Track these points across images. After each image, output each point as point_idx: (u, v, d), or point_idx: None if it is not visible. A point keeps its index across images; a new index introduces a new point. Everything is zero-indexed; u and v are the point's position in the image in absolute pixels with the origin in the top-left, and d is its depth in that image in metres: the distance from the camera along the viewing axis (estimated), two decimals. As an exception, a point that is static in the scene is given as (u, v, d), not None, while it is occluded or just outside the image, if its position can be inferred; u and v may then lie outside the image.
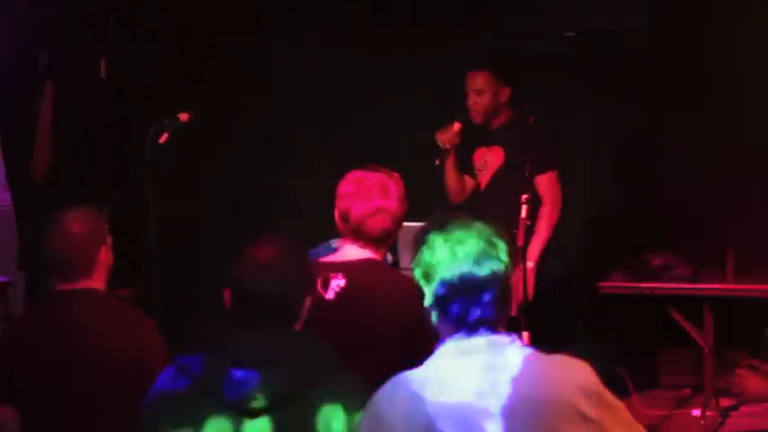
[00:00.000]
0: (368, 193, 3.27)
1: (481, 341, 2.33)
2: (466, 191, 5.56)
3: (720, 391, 5.03)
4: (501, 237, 2.41)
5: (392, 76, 6.60)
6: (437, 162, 5.25)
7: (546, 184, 5.31)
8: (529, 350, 2.39)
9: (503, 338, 2.35)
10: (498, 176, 5.44)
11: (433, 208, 4.37)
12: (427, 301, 2.38)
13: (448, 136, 5.31)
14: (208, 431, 2.47)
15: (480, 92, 5.39)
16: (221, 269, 2.71)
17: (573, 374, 2.34)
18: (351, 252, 3.31)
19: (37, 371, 3.27)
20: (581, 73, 6.46)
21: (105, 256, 3.43)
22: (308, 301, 2.66)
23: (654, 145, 6.43)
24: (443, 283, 2.35)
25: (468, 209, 5.23)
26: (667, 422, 5.78)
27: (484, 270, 2.34)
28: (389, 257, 4.56)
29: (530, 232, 4.91)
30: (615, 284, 6.11)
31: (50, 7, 6.31)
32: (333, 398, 2.50)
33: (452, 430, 2.26)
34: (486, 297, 2.34)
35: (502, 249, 2.39)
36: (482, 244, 2.36)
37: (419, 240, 2.42)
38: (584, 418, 2.29)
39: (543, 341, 2.89)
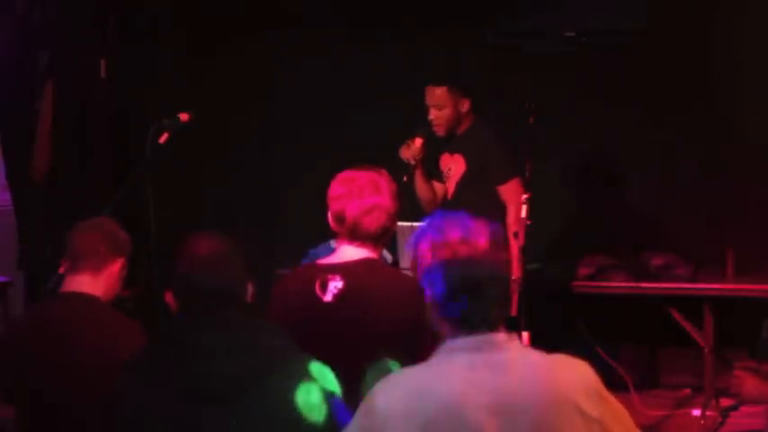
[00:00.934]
0: (360, 191, 3.25)
1: (481, 340, 2.33)
2: (437, 199, 5.52)
3: (720, 391, 5.02)
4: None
5: (392, 77, 6.60)
6: (405, 179, 5.07)
7: (511, 192, 5.26)
8: (529, 350, 2.38)
9: (503, 338, 2.35)
10: (462, 185, 5.42)
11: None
12: (427, 301, 2.39)
13: (412, 152, 5.26)
14: (171, 421, 2.50)
15: (440, 106, 5.37)
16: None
17: (573, 374, 2.34)
18: (348, 253, 3.29)
19: (33, 372, 3.29)
20: (581, 73, 6.46)
21: (118, 267, 3.49)
22: (250, 288, 2.70)
23: (654, 145, 6.43)
24: (444, 283, 2.35)
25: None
26: (667, 422, 5.78)
27: (484, 270, 2.34)
28: (389, 257, 4.57)
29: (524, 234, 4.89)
30: (615, 284, 6.10)
31: (50, 7, 6.32)
32: (293, 381, 2.51)
33: (452, 430, 2.26)
34: (486, 297, 2.34)
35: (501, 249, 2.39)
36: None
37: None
38: (584, 416, 2.29)
39: (543, 341, 2.89)
